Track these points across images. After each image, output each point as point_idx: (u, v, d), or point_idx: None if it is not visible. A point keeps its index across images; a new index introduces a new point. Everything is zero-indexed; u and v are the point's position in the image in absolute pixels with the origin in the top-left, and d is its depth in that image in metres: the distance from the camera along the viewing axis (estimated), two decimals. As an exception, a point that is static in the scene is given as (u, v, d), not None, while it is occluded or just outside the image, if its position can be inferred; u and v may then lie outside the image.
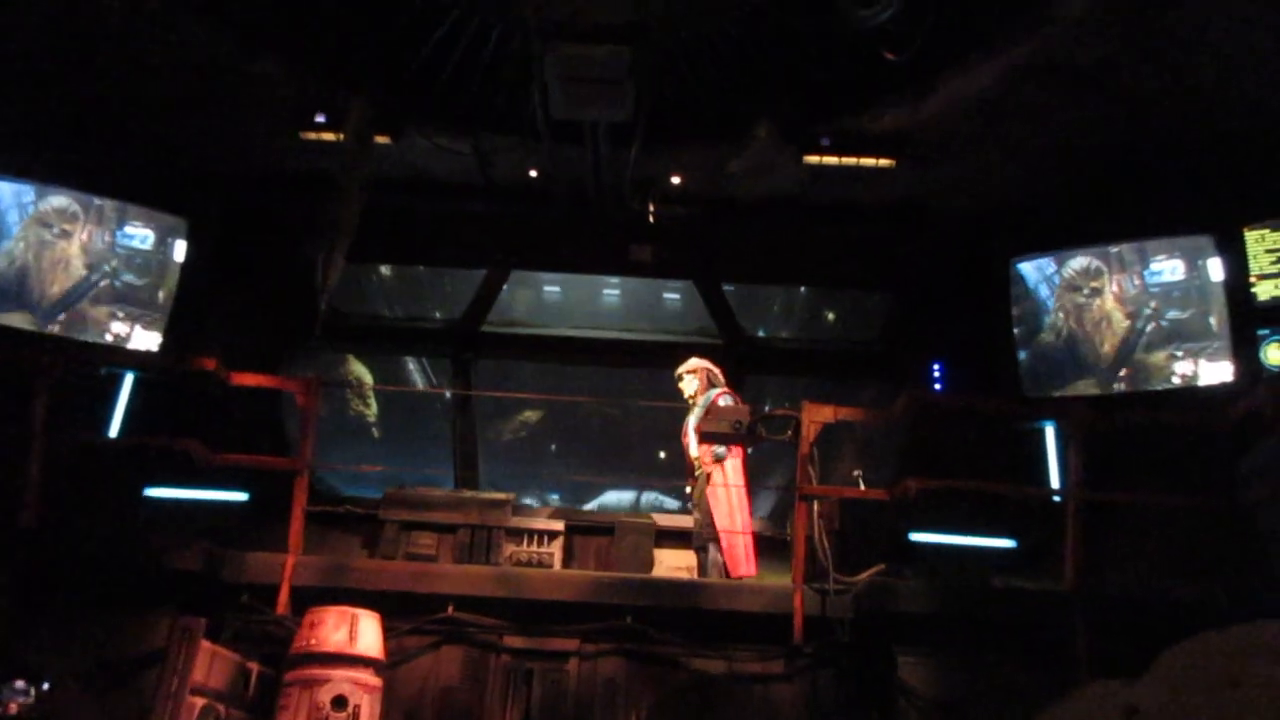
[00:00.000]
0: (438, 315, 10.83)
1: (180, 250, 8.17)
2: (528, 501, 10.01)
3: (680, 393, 7.52)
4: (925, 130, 7.62)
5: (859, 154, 7.91)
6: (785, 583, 6.06)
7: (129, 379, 8.00)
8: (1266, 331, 7.31)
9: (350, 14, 7.02)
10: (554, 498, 10.50)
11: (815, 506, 6.16)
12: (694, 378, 7.45)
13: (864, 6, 6.49)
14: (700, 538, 7.00)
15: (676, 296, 11.19)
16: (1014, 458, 8.14)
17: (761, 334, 11.00)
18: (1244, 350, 7.38)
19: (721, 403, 7.12)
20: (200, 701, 4.79)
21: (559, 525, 7.39)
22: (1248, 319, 7.41)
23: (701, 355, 7.65)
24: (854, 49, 7.00)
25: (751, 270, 9.86)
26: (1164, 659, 1.08)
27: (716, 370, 7.47)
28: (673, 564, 7.36)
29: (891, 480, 6.16)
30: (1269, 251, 7.38)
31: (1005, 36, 6.67)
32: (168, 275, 8.12)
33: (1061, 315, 8.15)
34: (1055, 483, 7.87)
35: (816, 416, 6.12)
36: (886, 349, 9.23)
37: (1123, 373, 7.89)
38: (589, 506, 9.15)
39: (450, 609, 5.74)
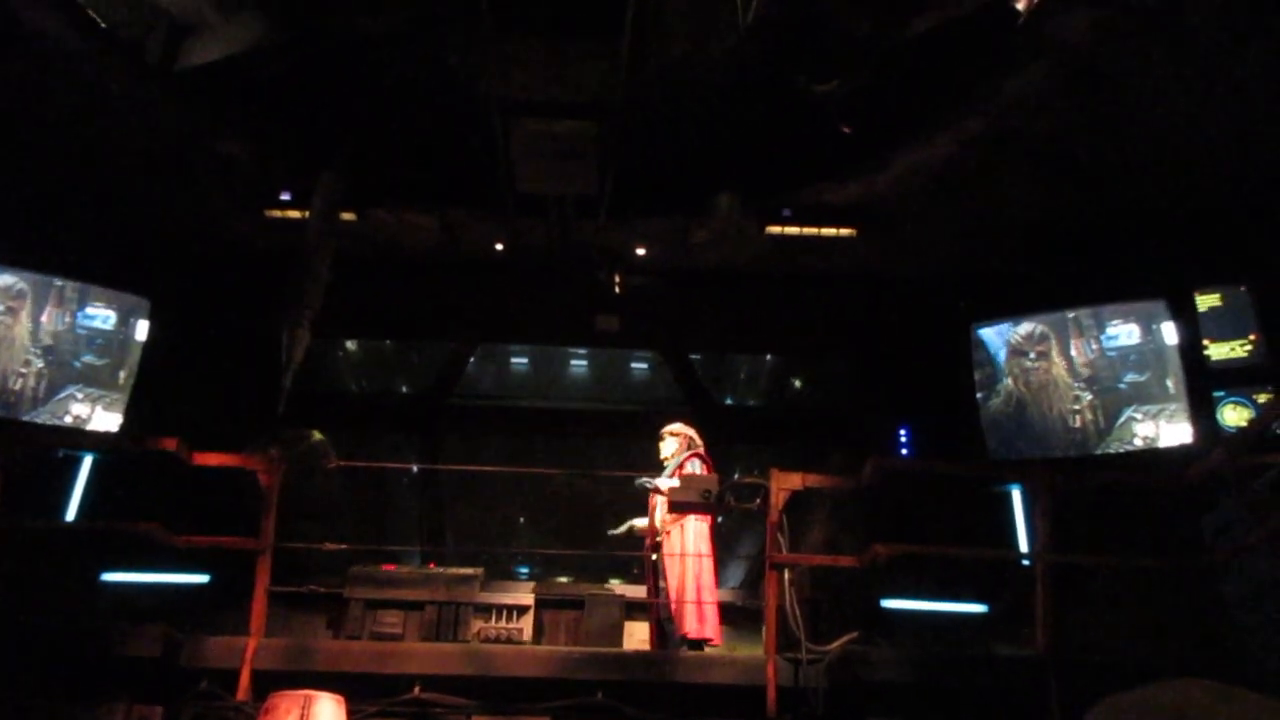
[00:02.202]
0: (405, 390, 10.77)
1: (142, 330, 8.12)
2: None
3: (658, 453, 7.50)
4: (885, 200, 7.78)
5: (820, 224, 8.06)
6: (757, 653, 5.99)
7: (88, 460, 7.87)
8: (1222, 393, 7.45)
9: (315, 91, 7.10)
10: (523, 572, 10.37)
11: (786, 575, 6.12)
12: (675, 440, 7.42)
13: (820, 82, 6.66)
14: (664, 607, 6.92)
15: (644, 366, 11.23)
16: (983, 521, 8.17)
17: (729, 402, 11.04)
18: (1201, 412, 7.51)
19: (688, 468, 7.10)
20: (156, 794, 4.64)
21: (528, 600, 7.29)
22: (1203, 381, 7.55)
23: (687, 423, 7.63)
24: (813, 123, 7.17)
25: (717, 339, 9.94)
26: None
27: (699, 440, 7.45)
28: (643, 637, 7.26)
29: (861, 547, 6.14)
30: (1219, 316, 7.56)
31: (959, 110, 6.87)
32: (129, 355, 8.05)
33: (1011, 381, 8.29)
34: (1024, 546, 7.90)
35: (785, 484, 6.10)
36: (853, 415, 9.29)
37: (1082, 435, 8.00)
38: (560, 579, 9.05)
39: (417, 689, 5.61)
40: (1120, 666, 5.57)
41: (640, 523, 7.36)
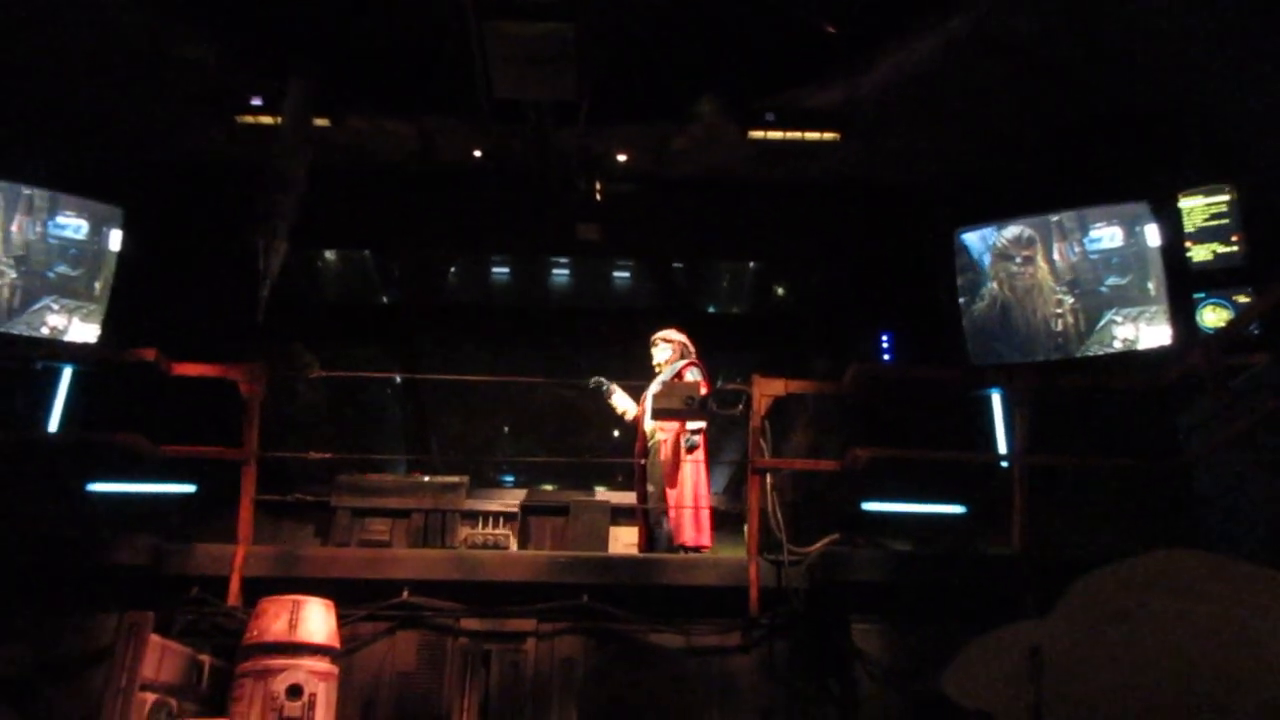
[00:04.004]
0: (385, 300, 10.70)
1: (116, 239, 7.99)
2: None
3: (650, 359, 7.47)
4: (868, 104, 7.67)
5: (803, 128, 7.96)
6: (740, 555, 6.10)
7: (67, 372, 7.83)
8: (1202, 294, 7.49)
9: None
10: (508, 480, 10.46)
11: (768, 479, 6.20)
12: (669, 346, 7.36)
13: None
14: (653, 512, 7.00)
15: (626, 275, 11.16)
16: (963, 425, 8.26)
17: (711, 310, 11.03)
18: (1181, 313, 7.56)
19: (688, 376, 7.09)
20: (151, 697, 4.71)
21: (514, 506, 7.37)
22: (1184, 283, 7.58)
23: (679, 329, 7.58)
24: (796, 23, 7.01)
25: (700, 246, 9.89)
26: (1068, 595, 1.10)
27: (691, 347, 7.41)
28: (628, 541, 7.37)
29: (842, 451, 6.22)
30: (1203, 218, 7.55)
31: (943, 9, 6.73)
32: (104, 265, 7.94)
33: (996, 285, 8.30)
34: (1002, 448, 8.01)
35: (767, 390, 6.14)
36: (836, 321, 9.31)
37: (1063, 339, 8.05)
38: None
39: (405, 594, 5.70)
40: (1093, 562, 5.70)
41: (621, 401, 7.37)
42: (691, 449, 6.87)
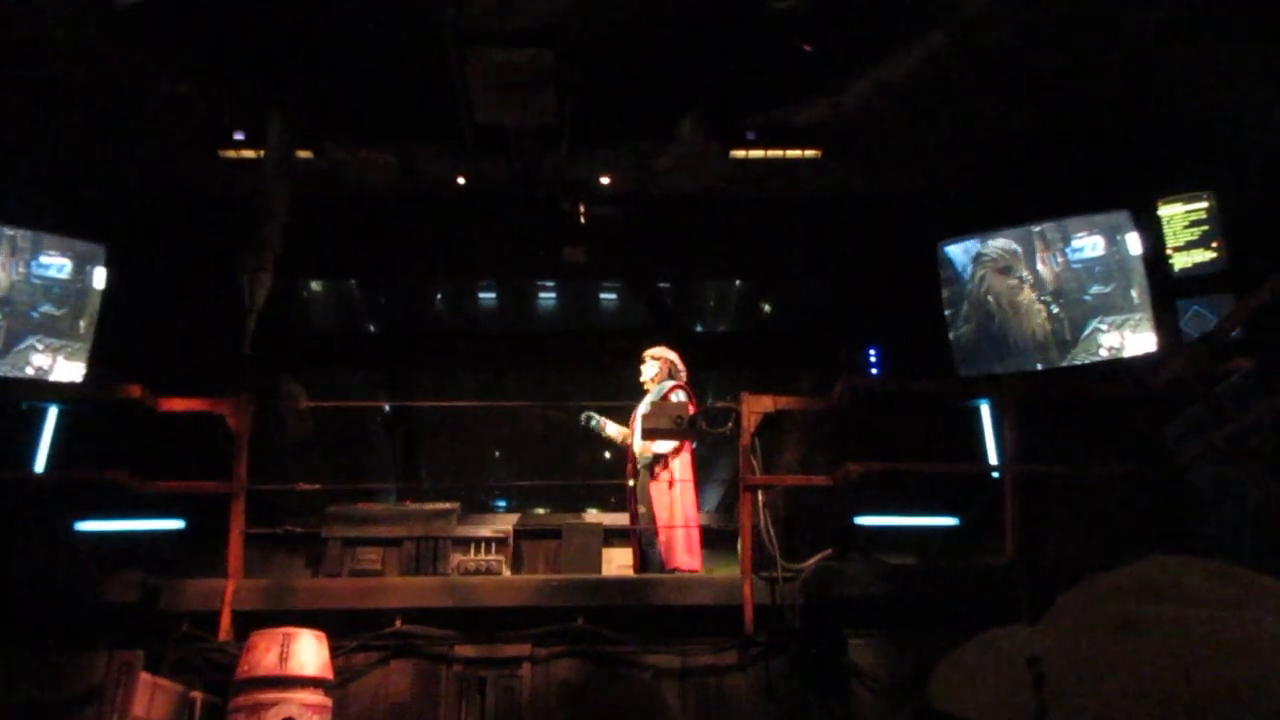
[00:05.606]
0: (372, 328, 10.69)
1: (99, 277, 7.96)
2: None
3: (638, 375, 7.44)
4: (849, 120, 7.72)
5: (785, 146, 8.00)
6: (734, 574, 6.08)
7: (53, 411, 7.79)
8: (1185, 301, 7.54)
9: (266, 27, 6.90)
10: (500, 505, 10.42)
11: (760, 496, 6.19)
12: (656, 364, 7.31)
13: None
14: (645, 533, 6.98)
15: (613, 296, 11.19)
16: (953, 437, 8.28)
17: (699, 328, 11.05)
18: (1165, 320, 7.61)
19: (673, 398, 7.07)
20: (143, 736, 4.67)
21: (506, 531, 7.33)
22: (1167, 290, 7.64)
23: (670, 347, 7.55)
24: (774, 42, 7.06)
25: (685, 266, 9.93)
26: (1062, 603, 1.09)
27: (680, 366, 7.39)
28: (622, 563, 7.34)
29: (834, 466, 6.21)
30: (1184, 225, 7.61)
31: (921, 23, 6.79)
32: (88, 303, 7.91)
33: (988, 297, 8.33)
34: (993, 458, 8.02)
35: (756, 407, 6.14)
36: (823, 336, 9.34)
37: (1049, 349, 8.08)
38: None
39: (398, 622, 5.66)
40: (1087, 570, 5.70)
41: (612, 429, 7.36)
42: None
